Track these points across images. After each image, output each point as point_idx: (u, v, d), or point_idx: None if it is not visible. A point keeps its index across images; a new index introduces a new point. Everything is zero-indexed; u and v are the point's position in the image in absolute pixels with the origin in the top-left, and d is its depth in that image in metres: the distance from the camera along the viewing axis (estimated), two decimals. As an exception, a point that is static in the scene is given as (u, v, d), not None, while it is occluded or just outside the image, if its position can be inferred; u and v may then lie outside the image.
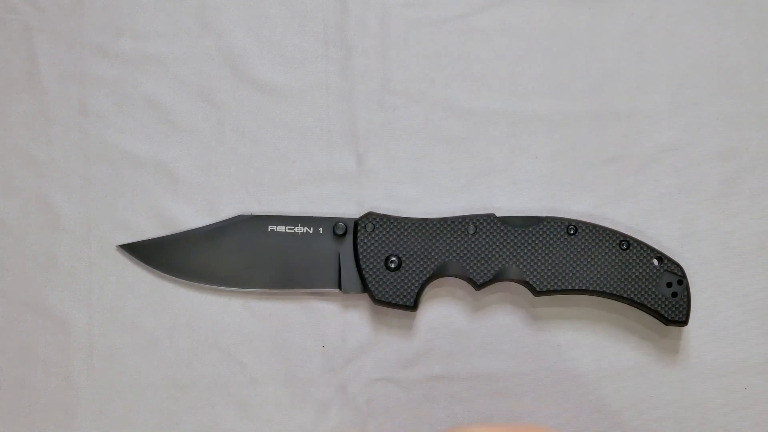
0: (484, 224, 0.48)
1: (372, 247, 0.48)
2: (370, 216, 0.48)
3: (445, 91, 0.51)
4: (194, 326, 0.49)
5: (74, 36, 0.51)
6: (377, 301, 0.48)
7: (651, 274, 0.47)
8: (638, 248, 0.47)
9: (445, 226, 0.48)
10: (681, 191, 0.50)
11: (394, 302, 0.47)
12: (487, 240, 0.48)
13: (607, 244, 0.47)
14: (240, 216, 0.49)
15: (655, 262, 0.47)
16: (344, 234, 0.48)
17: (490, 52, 0.51)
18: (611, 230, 0.48)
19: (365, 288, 0.48)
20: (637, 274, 0.47)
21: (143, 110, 0.51)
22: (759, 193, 0.50)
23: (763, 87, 0.50)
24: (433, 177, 0.50)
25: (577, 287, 0.47)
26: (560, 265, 0.47)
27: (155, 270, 0.49)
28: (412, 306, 0.47)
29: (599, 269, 0.47)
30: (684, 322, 0.47)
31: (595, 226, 0.48)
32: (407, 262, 0.47)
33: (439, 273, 0.48)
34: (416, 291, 0.47)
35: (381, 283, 0.47)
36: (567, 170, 0.50)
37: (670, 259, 0.47)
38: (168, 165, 0.50)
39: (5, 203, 0.50)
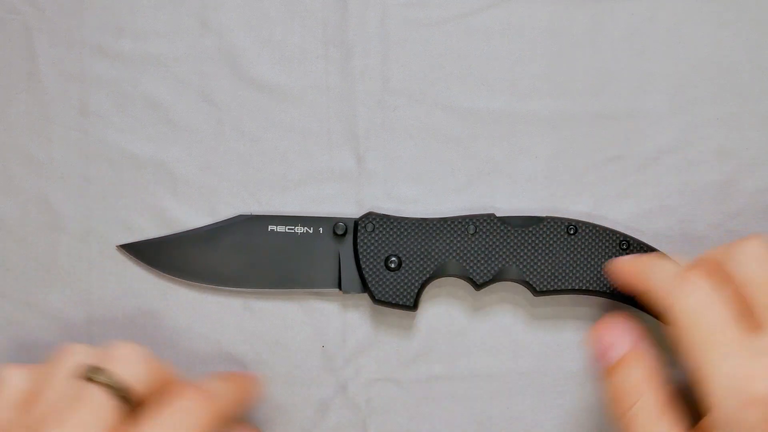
0: (484, 224, 0.48)
1: (372, 247, 0.48)
2: (370, 216, 0.48)
3: (445, 91, 0.51)
4: (194, 326, 0.49)
5: (74, 36, 0.51)
6: (377, 301, 0.48)
7: (651, 274, 0.47)
8: (638, 248, 0.47)
9: (445, 226, 0.48)
10: (681, 191, 0.50)
11: (394, 302, 0.47)
12: (487, 240, 0.48)
13: (607, 244, 0.47)
14: (240, 216, 0.49)
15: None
16: (344, 234, 0.48)
17: (490, 52, 0.51)
18: (611, 230, 0.48)
19: (365, 288, 0.48)
20: (637, 274, 0.47)
21: (143, 110, 0.51)
22: (759, 193, 0.50)
23: (763, 87, 0.50)
24: (433, 177, 0.50)
25: (577, 287, 0.47)
26: (560, 265, 0.47)
27: (155, 270, 0.49)
28: (412, 306, 0.47)
29: (599, 269, 0.47)
30: (684, 322, 0.47)
31: (595, 226, 0.48)
32: (407, 262, 0.47)
33: (439, 273, 0.48)
34: (416, 291, 0.47)
35: (381, 283, 0.47)
36: (567, 170, 0.50)
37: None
38: (168, 165, 0.50)
39: (5, 203, 0.50)
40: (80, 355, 0.40)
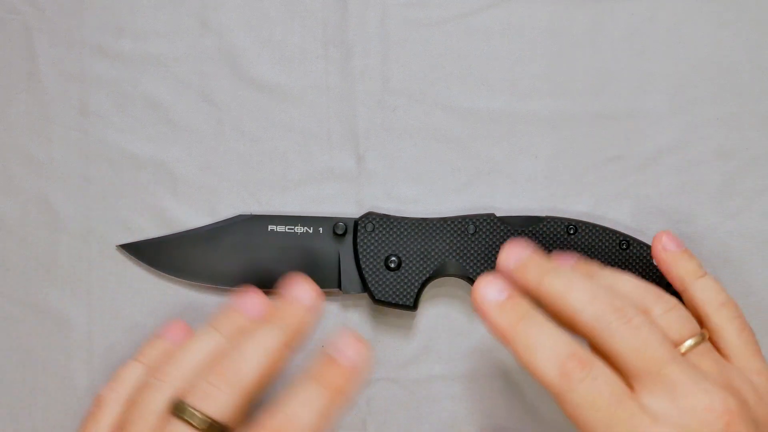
0: (484, 224, 0.48)
1: (372, 247, 0.48)
2: (370, 216, 0.48)
3: (445, 91, 0.51)
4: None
5: (74, 36, 0.51)
6: (377, 300, 0.48)
7: (651, 274, 0.47)
8: (638, 248, 0.47)
9: (445, 226, 0.48)
10: (681, 191, 0.50)
11: (394, 302, 0.47)
12: (487, 240, 0.48)
13: (607, 244, 0.47)
14: (240, 216, 0.49)
15: (655, 262, 0.47)
16: (344, 234, 0.48)
17: (490, 52, 0.51)
18: (611, 230, 0.48)
19: (365, 288, 0.48)
20: (637, 274, 0.47)
21: (143, 110, 0.51)
22: (759, 193, 0.50)
23: (763, 87, 0.50)
24: (433, 177, 0.50)
25: (577, 287, 0.47)
26: (560, 265, 0.47)
27: (155, 270, 0.49)
28: (412, 306, 0.47)
29: (599, 269, 0.47)
30: (684, 322, 0.47)
31: (595, 226, 0.48)
32: (407, 262, 0.47)
33: (439, 273, 0.48)
34: (416, 291, 0.47)
35: (381, 282, 0.47)
36: (567, 170, 0.50)
37: (670, 259, 0.47)
38: (168, 165, 0.50)
39: (5, 203, 0.50)
40: (172, 383, 0.39)
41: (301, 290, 0.42)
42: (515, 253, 0.40)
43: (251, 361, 0.39)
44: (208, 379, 0.38)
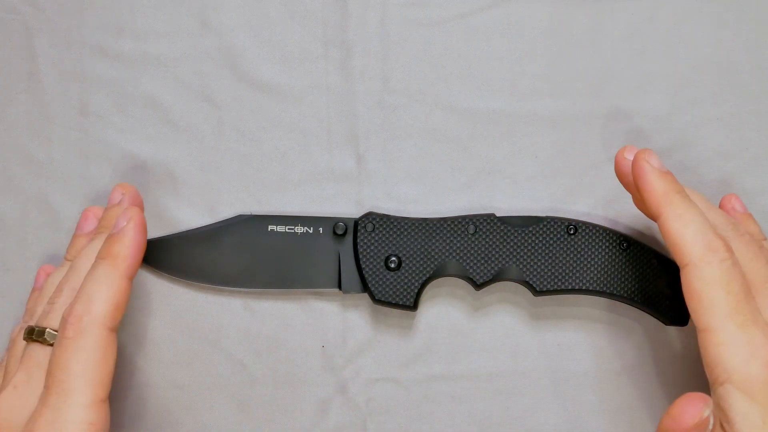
0: (484, 224, 0.48)
1: (372, 247, 0.48)
2: (370, 216, 0.48)
3: (445, 91, 0.51)
4: (194, 326, 0.49)
5: (74, 36, 0.51)
6: (377, 300, 0.48)
7: (651, 274, 0.47)
8: (638, 248, 0.47)
9: (445, 226, 0.48)
10: (681, 191, 0.50)
11: (394, 302, 0.47)
12: (487, 240, 0.48)
13: (607, 244, 0.47)
14: (240, 216, 0.49)
15: (655, 262, 0.47)
16: (344, 234, 0.48)
17: (490, 52, 0.51)
18: (611, 230, 0.48)
19: (365, 288, 0.48)
20: (637, 274, 0.47)
21: (143, 110, 0.51)
22: (759, 193, 0.50)
23: (763, 87, 0.50)
24: (433, 177, 0.50)
25: (577, 287, 0.47)
26: (560, 265, 0.47)
27: (155, 270, 0.49)
28: (412, 306, 0.47)
29: (599, 269, 0.47)
30: (684, 322, 0.47)
31: (595, 226, 0.48)
32: (407, 261, 0.47)
33: (439, 273, 0.48)
34: (416, 291, 0.47)
35: (381, 282, 0.47)
36: (567, 170, 0.50)
37: (669, 259, 0.47)
38: (168, 165, 0.50)
39: (5, 203, 0.50)
40: (32, 318, 0.45)
41: (116, 194, 0.48)
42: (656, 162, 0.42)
43: (81, 271, 0.44)
44: (51, 301, 0.44)
